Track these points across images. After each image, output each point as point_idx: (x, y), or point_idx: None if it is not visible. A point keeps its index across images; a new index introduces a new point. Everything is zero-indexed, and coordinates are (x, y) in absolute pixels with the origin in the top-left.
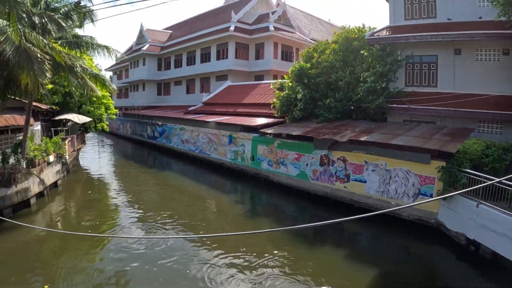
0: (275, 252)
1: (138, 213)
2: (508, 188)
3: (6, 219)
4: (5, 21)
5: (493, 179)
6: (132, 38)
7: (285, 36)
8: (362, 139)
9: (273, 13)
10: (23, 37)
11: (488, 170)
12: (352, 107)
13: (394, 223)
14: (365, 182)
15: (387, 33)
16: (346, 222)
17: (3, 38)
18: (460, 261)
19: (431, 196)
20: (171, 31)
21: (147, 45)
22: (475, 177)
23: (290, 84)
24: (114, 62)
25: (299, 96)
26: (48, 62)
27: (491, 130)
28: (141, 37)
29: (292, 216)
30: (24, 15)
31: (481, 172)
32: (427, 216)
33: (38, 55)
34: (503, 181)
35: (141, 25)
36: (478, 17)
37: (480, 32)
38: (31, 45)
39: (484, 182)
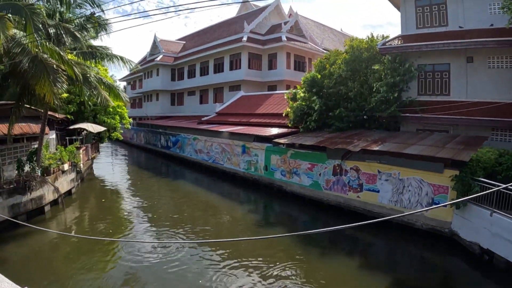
0: (288, 260)
1: (151, 220)
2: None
3: (23, 223)
4: (21, 32)
5: (503, 185)
6: (146, 49)
7: (297, 46)
8: (375, 148)
9: (285, 23)
10: (39, 48)
11: (502, 178)
12: (365, 117)
13: (408, 233)
14: (378, 191)
15: (399, 42)
16: (359, 232)
17: (20, 49)
18: (474, 271)
19: (445, 205)
20: (184, 42)
21: (160, 56)
22: (489, 186)
23: (303, 94)
24: (128, 72)
25: (316, 107)
26: (63, 72)
27: (504, 138)
28: (155, 47)
29: (305, 225)
30: (40, 26)
31: (495, 180)
32: (441, 226)
33: (54, 66)
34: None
35: (155, 36)
36: (490, 25)
37: (492, 39)
38: (47, 55)
39: (497, 190)
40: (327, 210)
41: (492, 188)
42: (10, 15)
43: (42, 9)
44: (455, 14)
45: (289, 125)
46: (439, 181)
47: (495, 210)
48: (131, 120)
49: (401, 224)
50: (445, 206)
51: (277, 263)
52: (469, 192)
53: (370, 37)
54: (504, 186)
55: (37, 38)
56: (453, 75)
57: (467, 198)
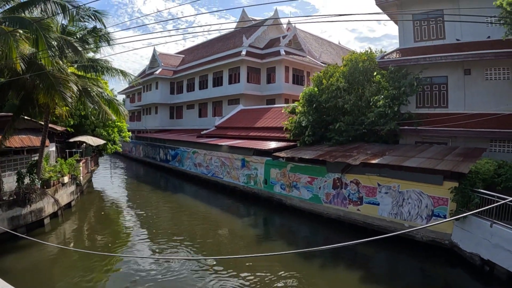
0: (288, 275)
1: (150, 234)
2: (498, 200)
3: (22, 235)
4: (32, 48)
5: (506, 198)
6: (145, 62)
7: (296, 60)
8: (375, 161)
9: (284, 37)
10: (55, 65)
11: (501, 189)
12: (364, 130)
13: (408, 245)
14: (378, 204)
15: (397, 56)
16: (359, 245)
17: (34, 66)
18: (475, 282)
19: (445, 217)
20: (183, 56)
21: (159, 69)
22: (488, 197)
23: (301, 108)
24: (127, 85)
25: (304, 123)
26: (70, 85)
27: (503, 149)
28: (154, 61)
29: (305, 239)
30: (53, 43)
31: (494, 191)
32: (441, 237)
33: (65, 80)
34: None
35: (154, 50)
36: (487, 37)
37: (489, 51)
38: (53, 69)
39: (497, 201)
40: (327, 223)
41: (491, 199)
42: (21, 30)
43: (52, 25)
44: (452, 27)
45: (289, 139)
46: (439, 193)
47: (495, 221)
48: (130, 133)
49: (401, 236)
50: (456, 219)
51: (278, 278)
52: (468, 203)
53: (368, 51)
54: (510, 199)
55: (51, 55)
56: (450, 87)
57: (474, 212)
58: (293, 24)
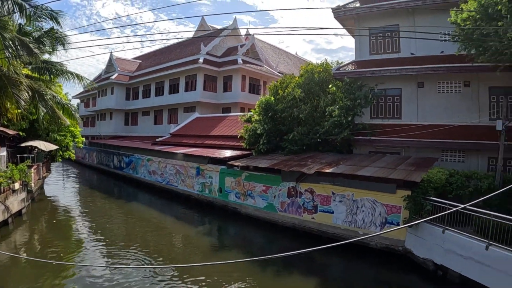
0: (243, 283)
1: (102, 242)
2: (472, 213)
3: None
4: None
5: (457, 205)
6: (101, 66)
7: (253, 69)
8: (329, 171)
9: (241, 46)
10: (12, 66)
11: (452, 197)
12: (319, 140)
13: (363, 253)
14: (332, 213)
15: (353, 68)
16: (314, 254)
17: None
18: (429, 286)
19: (398, 224)
20: (140, 61)
21: (116, 74)
22: (440, 205)
23: (257, 117)
24: (82, 89)
25: (259, 131)
26: (24, 87)
27: (454, 159)
28: (110, 65)
29: (260, 247)
30: (11, 43)
31: (446, 199)
32: (395, 244)
33: (19, 82)
34: (467, 207)
35: (111, 54)
36: (440, 52)
37: (442, 65)
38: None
39: (449, 209)
40: (282, 232)
41: (443, 206)
42: None
43: (10, 24)
44: (407, 41)
45: (244, 147)
46: (392, 201)
47: (447, 227)
48: (83, 139)
49: (356, 244)
50: (410, 226)
51: (232, 286)
52: (421, 211)
53: (325, 62)
54: (463, 206)
55: (8, 56)
56: (404, 99)
57: (426, 219)
58: (252, 33)
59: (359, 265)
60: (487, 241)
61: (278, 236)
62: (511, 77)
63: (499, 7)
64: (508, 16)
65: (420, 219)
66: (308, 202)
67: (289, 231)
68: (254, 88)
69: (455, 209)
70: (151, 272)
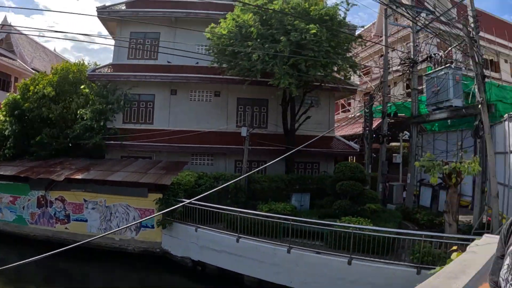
0: None
1: None
2: (221, 211)
3: None
4: None
5: (207, 205)
6: None
7: (4, 62)
8: (79, 177)
9: None
10: None
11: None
12: (69, 144)
13: (122, 258)
14: (86, 221)
15: (109, 71)
16: (72, 264)
17: None
18: (190, 282)
19: (153, 227)
20: None
21: None
22: (189, 205)
23: (3, 118)
24: None
25: (7, 132)
26: None
27: (203, 162)
28: None
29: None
30: None
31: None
32: (152, 247)
33: None
34: (194, 201)
35: None
36: (195, 62)
37: (195, 75)
38: None
39: (199, 209)
40: (36, 245)
41: (193, 207)
42: None
43: None
44: (165, 50)
45: None
46: (145, 205)
47: (199, 225)
48: None
49: (114, 251)
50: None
51: None
52: (173, 213)
53: (81, 62)
54: (188, 201)
55: None
56: (157, 105)
57: (161, 212)
58: (9, 21)
59: (121, 271)
60: (237, 234)
61: (31, 251)
62: (256, 90)
63: (252, 29)
64: (258, 39)
65: (172, 220)
66: (60, 212)
67: (43, 244)
68: (4, 84)
69: (182, 204)
70: None
